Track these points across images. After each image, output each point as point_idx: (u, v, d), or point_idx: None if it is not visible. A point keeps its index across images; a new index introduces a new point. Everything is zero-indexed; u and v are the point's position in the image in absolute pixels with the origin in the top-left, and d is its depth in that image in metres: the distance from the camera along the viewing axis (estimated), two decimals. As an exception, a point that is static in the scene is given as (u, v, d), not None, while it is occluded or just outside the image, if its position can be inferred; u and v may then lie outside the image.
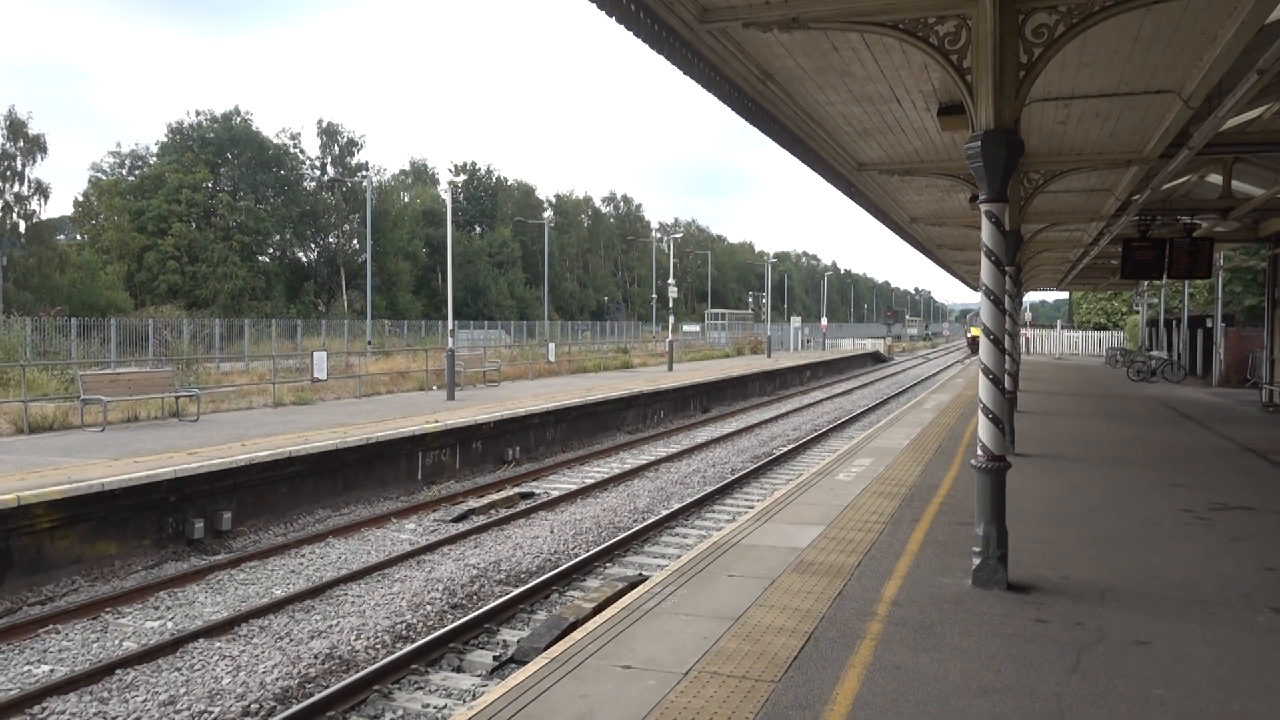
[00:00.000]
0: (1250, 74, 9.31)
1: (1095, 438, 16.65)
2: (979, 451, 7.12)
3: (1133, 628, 6.26)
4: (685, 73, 9.09)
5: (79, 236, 63.97)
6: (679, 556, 10.97)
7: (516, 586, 10.87)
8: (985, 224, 7.11)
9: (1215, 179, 17.35)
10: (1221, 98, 10.31)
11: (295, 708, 7.35)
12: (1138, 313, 53.78)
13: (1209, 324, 35.29)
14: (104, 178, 69.01)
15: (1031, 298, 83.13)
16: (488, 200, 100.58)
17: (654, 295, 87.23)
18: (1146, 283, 42.99)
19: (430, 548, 12.42)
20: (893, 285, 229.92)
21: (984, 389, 7.13)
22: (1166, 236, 20.11)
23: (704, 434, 24.72)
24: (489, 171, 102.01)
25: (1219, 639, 6.07)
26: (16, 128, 50.14)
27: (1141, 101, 10.72)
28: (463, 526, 13.83)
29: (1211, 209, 18.57)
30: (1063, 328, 68.59)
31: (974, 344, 67.30)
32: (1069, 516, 9.81)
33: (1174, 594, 7.07)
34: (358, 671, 8.20)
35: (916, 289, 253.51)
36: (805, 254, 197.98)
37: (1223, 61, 8.96)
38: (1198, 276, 20.66)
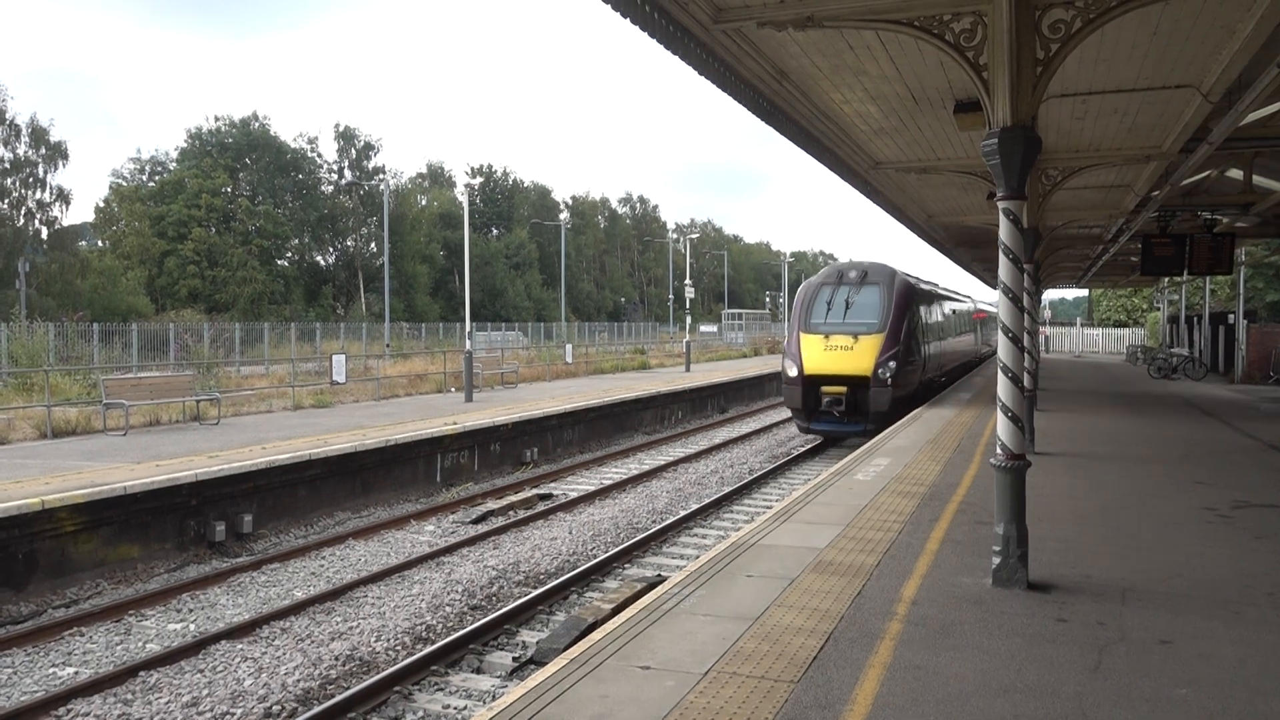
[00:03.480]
0: (1271, 67, 9.24)
1: (1116, 436, 16.53)
2: (998, 450, 7.08)
3: (1155, 627, 6.21)
4: (700, 73, 9.10)
5: (100, 242, 64.53)
6: (697, 557, 10.97)
7: (535, 588, 10.89)
8: (1003, 221, 7.08)
9: (1236, 174, 17.20)
10: (1241, 92, 10.23)
11: (316, 709, 7.40)
12: (1158, 309, 53.34)
13: (1231, 320, 34.97)
14: (124, 184, 69.63)
15: (1050, 295, 78.15)
16: (504, 202, 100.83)
17: (671, 296, 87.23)
18: (1167, 279, 42.60)
19: (449, 549, 12.47)
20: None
21: (1003, 387, 7.09)
22: (1187, 232, 19.96)
23: (722, 434, 24.70)
24: (505, 174, 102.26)
25: (1243, 638, 6.01)
26: (38, 135, 50.63)
27: (1160, 97, 10.65)
28: (481, 528, 13.87)
29: (1232, 204, 18.42)
30: (1082, 325, 68.10)
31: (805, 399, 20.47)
32: (1090, 515, 9.75)
33: (1197, 593, 7.01)
34: (378, 673, 8.24)
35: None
36: (822, 253, 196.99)
37: (1242, 55, 8.88)
38: (1219, 272, 20.48)
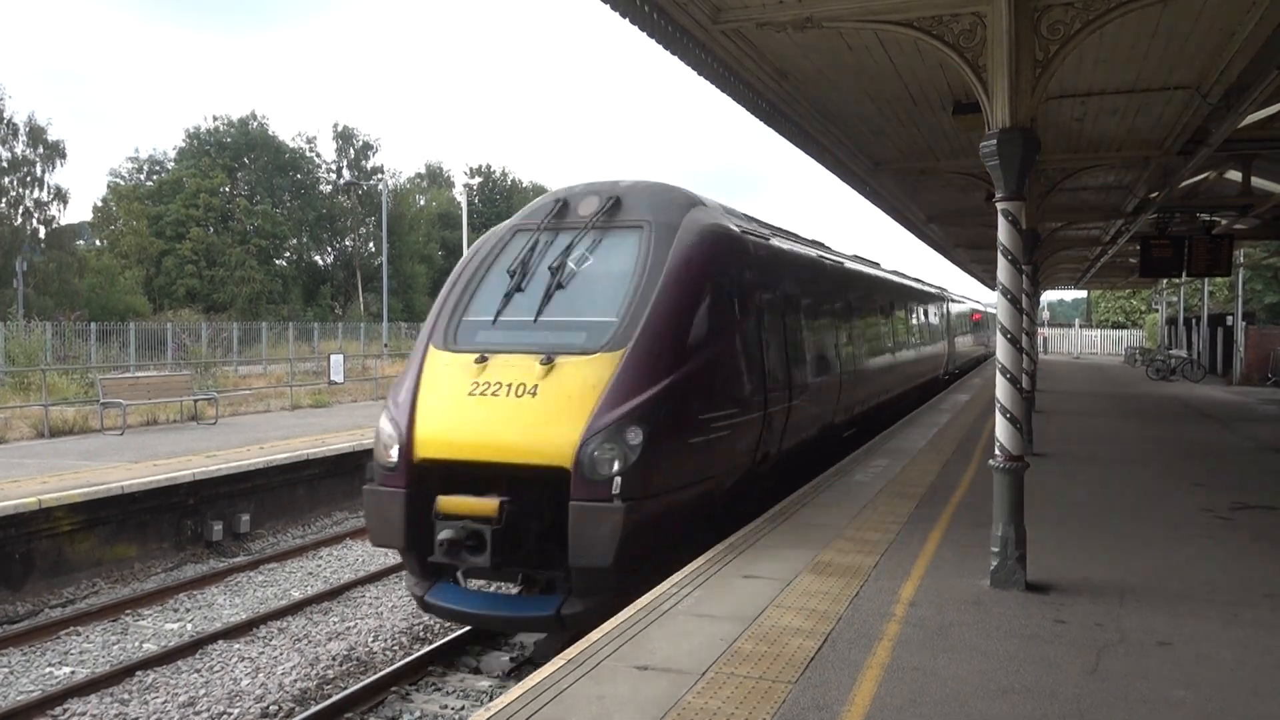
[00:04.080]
0: (1270, 69, 9.24)
1: (1114, 437, 16.53)
2: (997, 452, 7.08)
3: (1153, 628, 6.20)
4: (699, 73, 9.09)
5: (98, 241, 64.53)
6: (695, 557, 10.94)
7: (533, 588, 10.86)
8: (1002, 222, 7.07)
9: (1234, 176, 17.20)
10: (1241, 94, 10.22)
11: (314, 709, 7.39)
12: (1157, 311, 53.37)
13: (1229, 322, 35.01)
14: (122, 183, 69.63)
15: (1049, 296, 77.75)
16: (503, 202, 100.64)
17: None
18: (1166, 281, 42.61)
19: (447, 549, 12.44)
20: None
21: (1001, 389, 7.09)
22: (1185, 234, 19.96)
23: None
24: (504, 174, 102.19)
25: (1241, 639, 6.01)
26: (36, 134, 50.60)
27: (1159, 98, 10.65)
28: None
29: (1231, 206, 18.42)
30: (1081, 326, 68.14)
31: None
32: (1088, 516, 9.74)
33: (1195, 594, 7.01)
34: (375, 673, 8.23)
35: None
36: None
37: (1241, 57, 8.89)
38: (1217, 274, 20.51)
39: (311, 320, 55.54)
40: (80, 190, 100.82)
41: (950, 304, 30.88)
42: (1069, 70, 9.47)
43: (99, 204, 66.97)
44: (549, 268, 8.79)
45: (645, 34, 7.84)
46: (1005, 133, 6.81)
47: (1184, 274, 20.33)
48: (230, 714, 7.50)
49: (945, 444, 15.09)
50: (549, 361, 7.95)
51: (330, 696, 7.80)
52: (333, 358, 24.25)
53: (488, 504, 7.45)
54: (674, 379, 8.01)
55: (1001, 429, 7.06)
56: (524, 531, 7.64)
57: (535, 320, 8.50)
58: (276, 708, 7.64)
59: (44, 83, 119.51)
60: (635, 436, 7.53)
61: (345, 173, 77.01)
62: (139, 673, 8.30)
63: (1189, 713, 4.90)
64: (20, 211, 50.60)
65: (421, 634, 9.35)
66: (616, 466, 7.43)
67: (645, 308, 8.21)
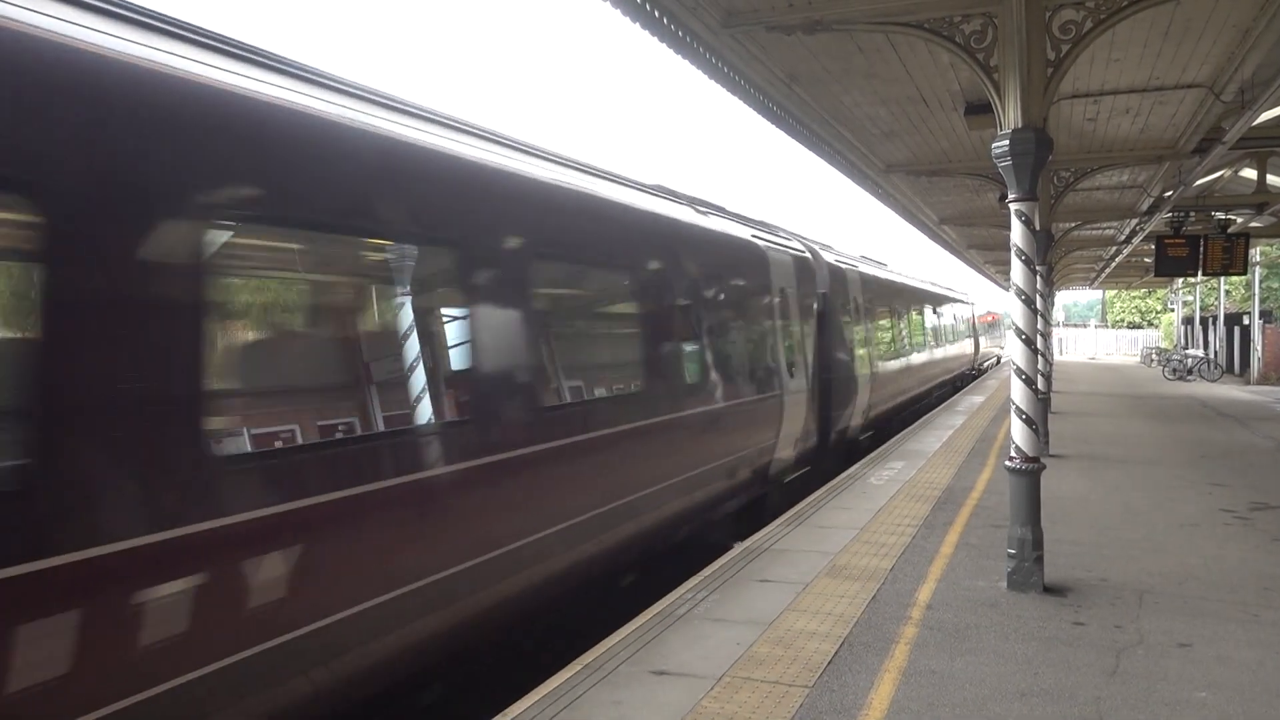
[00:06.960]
0: (1284, 67, 9.19)
1: (1131, 438, 16.43)
2: (1013, 453, 7.05)
3: (1173, 630, 6.16)
4: (710, 77, 9.09)
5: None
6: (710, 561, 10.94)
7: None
8: (1015, 223, 7.05)
9: (1250, 174, 17.12)
10: (1255, 91, 10.17)
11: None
12: (1172, 311, 53.06)
13: (1246, 321, 34.76)
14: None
15: (1064, 297, 77.44)
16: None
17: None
18: (1181, 280, 42.34)
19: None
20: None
21: (1016, 390, 7.06)
22: (1200, 233, 19.85)
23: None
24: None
25: (1262, 640, 5.96)
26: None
27: (1173, 97, 10.60)
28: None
29: (1246, 204, 18.32)
30: (1096, 327, 67.79)
31: None
32: (1105, 517, 9.68)
33: (1215, 595, 6.96)
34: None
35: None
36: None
37: (1255, 55, 8.84)
38: (1233, 273, 20.38)
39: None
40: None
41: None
42: (1081, 70, 9.44)
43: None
44: None
45: (656, 38, 7.85)
46: (1017, 133, 6.79)
47: (1199, 273, 20.20)
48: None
49: (960, 446, 15.04)
50: None
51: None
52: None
53: None
54: None
55: (1017, 430, 7.03)
56: None
57: None
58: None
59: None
60: None
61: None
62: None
63: (1210, 714, 4.86)
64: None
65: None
66: None
67: None
